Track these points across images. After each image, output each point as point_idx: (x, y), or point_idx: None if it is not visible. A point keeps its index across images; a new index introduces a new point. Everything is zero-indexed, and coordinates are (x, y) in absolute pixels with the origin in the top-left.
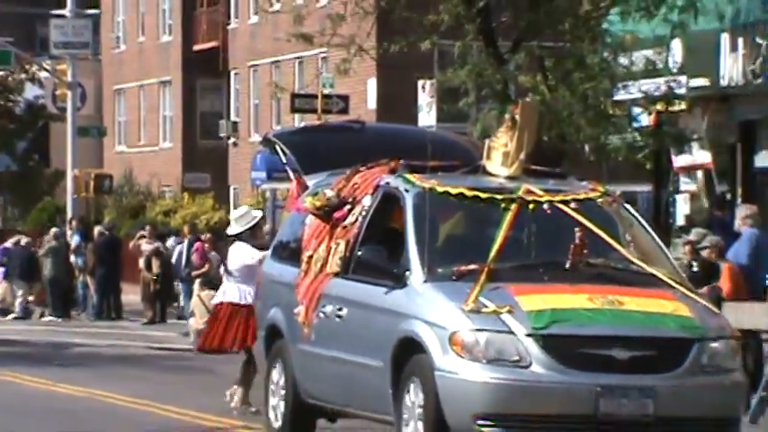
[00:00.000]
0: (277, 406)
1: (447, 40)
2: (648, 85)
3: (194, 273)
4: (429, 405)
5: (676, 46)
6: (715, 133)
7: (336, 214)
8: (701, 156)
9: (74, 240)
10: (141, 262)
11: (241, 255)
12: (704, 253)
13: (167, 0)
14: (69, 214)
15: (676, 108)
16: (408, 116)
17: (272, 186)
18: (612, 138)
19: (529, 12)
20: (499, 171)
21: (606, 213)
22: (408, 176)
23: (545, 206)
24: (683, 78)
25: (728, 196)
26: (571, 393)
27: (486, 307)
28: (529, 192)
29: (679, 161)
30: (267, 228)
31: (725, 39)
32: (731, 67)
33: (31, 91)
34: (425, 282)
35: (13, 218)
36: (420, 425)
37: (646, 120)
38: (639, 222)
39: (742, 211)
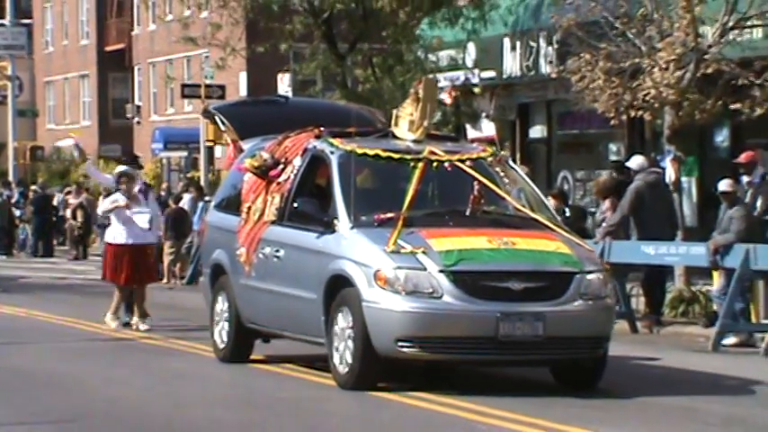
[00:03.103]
0: (221, 330)
1: (300, 43)
2: (451, 76)
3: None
4: (357, 331)
5: (471, 47)
6: (500, 112)
7: (271, 173)
8: (489, 129)
9: (14, 197)
10: (68, 212)
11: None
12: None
13: (85, 11)
14: (11, 177)
15: (472, 93)
16: None
17: (167, 155)
18: None
19: (361, 22)
20: (406, 135)
21: (493, 170)
22: (332, 140)
23: (446, 164)
24: (476, 71)
25: (510, 160)
26: (476, 319)
27: (404, 248)
28: (432, 152)
29: (473, 133)
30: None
31: (507, 42)
32: (512, 63)
33: None
34: (352, 228)
35: None
36: (349, 346)
37: (449, 102)
38: (522, 177)
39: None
